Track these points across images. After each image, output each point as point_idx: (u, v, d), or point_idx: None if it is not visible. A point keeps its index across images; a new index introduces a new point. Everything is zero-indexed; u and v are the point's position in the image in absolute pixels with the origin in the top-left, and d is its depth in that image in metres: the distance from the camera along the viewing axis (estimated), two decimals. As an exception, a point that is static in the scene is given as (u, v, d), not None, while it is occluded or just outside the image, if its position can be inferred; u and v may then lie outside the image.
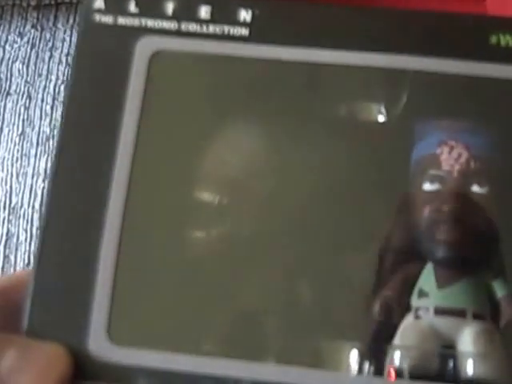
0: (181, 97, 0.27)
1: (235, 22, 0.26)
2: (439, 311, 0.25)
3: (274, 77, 0.27)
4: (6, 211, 0.61)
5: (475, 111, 0.26)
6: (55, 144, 0.26)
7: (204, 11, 0.27)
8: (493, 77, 0.25)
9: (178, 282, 0.26)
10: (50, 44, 0.65)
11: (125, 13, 0.27)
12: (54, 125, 0.63)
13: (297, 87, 0.27)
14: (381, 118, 0.26)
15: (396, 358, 0.25)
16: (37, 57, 0.65)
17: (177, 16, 0.27)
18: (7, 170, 0.62)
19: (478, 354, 0.24)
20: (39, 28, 0.65)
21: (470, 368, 0.24)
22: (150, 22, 0.27)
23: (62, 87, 0.64)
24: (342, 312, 0.25)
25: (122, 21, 0.27)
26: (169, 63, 0.27)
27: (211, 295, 0.26)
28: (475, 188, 0.26)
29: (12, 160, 0.62)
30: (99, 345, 0.25)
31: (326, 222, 0.26)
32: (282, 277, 0.26)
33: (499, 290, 0.25)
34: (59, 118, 0.65)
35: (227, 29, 0.27)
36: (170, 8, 0.27)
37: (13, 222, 0.61)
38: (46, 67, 0.64)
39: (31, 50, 0.65)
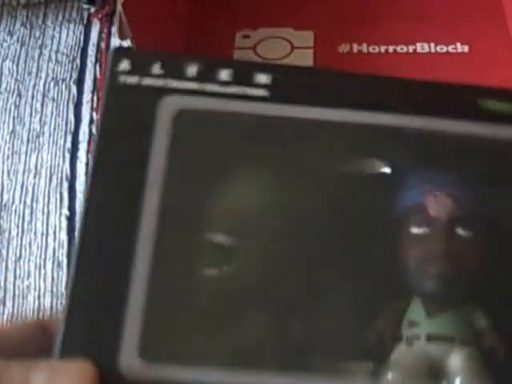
0: (203, 152, 0.28)
1: (255, 85, 0.28)
2: (430, 337, 0.27)
3: (291, 133, 0.28)
4: (-2, 208, 0.62)
5: (461, 164, 0.28)
6: (83, 198, 0.27)
7: (225, 74, 0.28)
8: (479, 134, 0.28)
9: (204, 301, 0.27)
10: (39, 42, 0.65)
11: (150, 74, 0.28)
12: (44, 121, 0.64)
13: (310, 142, 0.28)
14: (383, 171, 0.28)
15: (390, 381, 0.26)
16: (26, 55, 0.65)
17: (199, 78, 0.28)
18: (-2, 168, 0.63)
19: (465, 377, 0.26)
20: (29, 26, 0.66)
21: (457, 389, 0.27)
22: (174, 83, 0.28)
23: (52, 84, 0.64)
24: (340, 340, 0.27)
25: (147, 81, 0.28)
26: (192, 121, 0.28)
27: (238, 311, 0.27)
28: (460, 231, 0.28)
29: (3, 158, 0.63)
30: (130, 362, 0.25)
31: (330, 262, 0.28)
32: (287, 309, 0.27)
33: (482, 319, 0.27)
34: (49, 115, 0.65)
35: (248, 90, 0.28)
36: (193, 70, 0.28)
37: (4, 217, 0.62)
38: (35, 65, 0.65)
39: (21, 48, 0.65)
